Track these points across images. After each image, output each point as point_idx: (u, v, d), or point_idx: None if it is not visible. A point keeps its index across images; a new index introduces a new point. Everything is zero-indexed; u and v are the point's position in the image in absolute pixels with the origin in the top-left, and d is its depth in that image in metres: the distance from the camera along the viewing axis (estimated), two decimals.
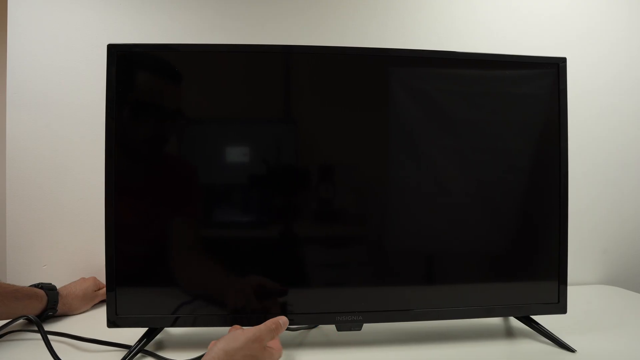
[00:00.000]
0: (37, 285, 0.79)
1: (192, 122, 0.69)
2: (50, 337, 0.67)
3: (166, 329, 0.74)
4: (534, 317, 0.74)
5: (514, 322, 0.81)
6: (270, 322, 0.59)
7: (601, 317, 0.85)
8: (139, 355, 0.65)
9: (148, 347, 0.68)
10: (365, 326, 0.69)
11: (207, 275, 0.69)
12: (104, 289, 0.75)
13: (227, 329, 0.71)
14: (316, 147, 0.70)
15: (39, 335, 0.66)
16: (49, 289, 0.79)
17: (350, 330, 0.69)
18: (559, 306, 0.72)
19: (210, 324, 0.68)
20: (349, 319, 0.68)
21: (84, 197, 0.98)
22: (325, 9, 1.05)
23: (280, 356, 0.59)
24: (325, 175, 0.69)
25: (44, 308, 0.77)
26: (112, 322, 0.66)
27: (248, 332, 0.55)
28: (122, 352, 0.65)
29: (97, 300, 0.90)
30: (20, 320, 0.73)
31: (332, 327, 0.69)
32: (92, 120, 0.96)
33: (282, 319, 0.61)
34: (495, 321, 0.83)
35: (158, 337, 0.70)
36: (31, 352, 0.67)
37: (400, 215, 0.72)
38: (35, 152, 0.97)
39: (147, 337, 0.67)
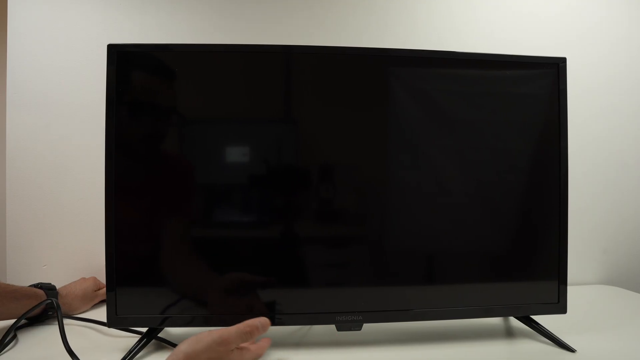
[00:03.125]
0: (36, 285, 0.79)
1: (193, 122, 0.69)
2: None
3: (166, 328, 0.74)
4: (533, 317, 0.75)
5: (514, 322, 0.81)
6: (243, 325, 0.54)
7: (601, 317, 0.85)
8: (140, 353, 0.66)
9: (148, 347, 0.68)
10: (365, 326, 0.69)
11: (207, 276, 0.69)
12: (104, 289, 0.75)
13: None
14: (316, 147, 0.70)
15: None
16: (49, 289, 0.79)
17: (350, 330, 0.69)
18: (559, 306, 0.72)
19: (213, 324, 0.67)
20: (349, 319, 0.68)
21: (84, 197, 0.98)
22: (325, 9, 1.05)
23: (257, 355, 0.56)
24: (325, 175, 0.69)
25: (44, 308, 0.77)
26: (112, 322, 0.66)
27: (214, 333, 0.51)
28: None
29: (97, 300, 0.90)
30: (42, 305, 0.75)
31: (332, 327, 0.69)
32: (92, 120, 0.96)
33: (261, 321, 0.56)
34: (495, 321, 0.83)
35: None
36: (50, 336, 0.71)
37: (401, 215, 0.72)
38: (35, 152, 0.97)
39: (147, 336, 0.67)
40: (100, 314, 0.76)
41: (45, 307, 0.77)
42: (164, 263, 0.68)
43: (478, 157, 0.72)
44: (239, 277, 0.67)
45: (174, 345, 0.69)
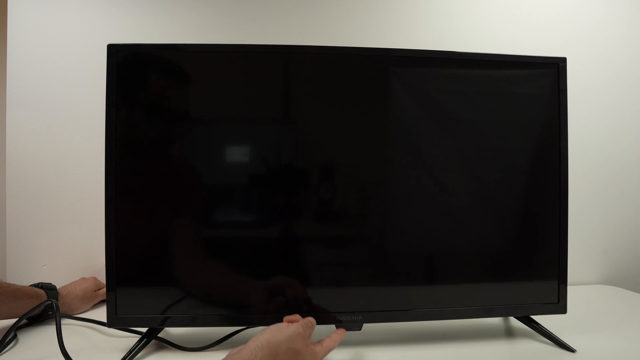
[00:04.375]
0: (37, 285, 0.79)
1: (193, 122, 0.69)
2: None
3: (166, 328, 0.74)
4: (534, 317, 0.74)
5: (514, 322, 0.81)
6: (305, 320, 0.58)
7: (601, 317, 0.85)
8: (140, 353, 0.66)
9: (148, 347, 0.68)
10: (365, 326, 0.69)
11: (208, 276, 0.69)
12: (104, 288, 0.75)
13: (228, 328, 0.72)
14: (317, 147, 0.70)
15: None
16: (49, 289, 0.80)
17: (350, 330, 0.69)
18: (559, 306, 0.72)
19: (212, 324, 0.68)
20: (349, 319, 0.68)
21: (84, 197, 0.98)
22: (324, 9, 1.05)
23: (329, 349, 0.59)
24: (325, 176, 0.69)
25: (44, 308, 0.77)
26: (112, 322, 0.66)
27: (292, 326, 0.55)
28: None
29: (97, 300, 0.90)
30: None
31: (332, 327, 0.69)
32: (92, 120, 0.96)
33: (311, 319, 0.60)
34: (495, 321, 0.83)
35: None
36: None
37: (401, 215, 0.72)
38: (35, 152, 0.97)
39: (147, 337, 0.67)
40: (100, 314, 0.76)
41: (45, 307, 0.77)
42: (164, 263, 0.68)
43: (478, 157, 0.72)
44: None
45: (174, 345, 0.69)
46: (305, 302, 0.68)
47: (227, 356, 0.49)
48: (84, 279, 0.92)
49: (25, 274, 0.95)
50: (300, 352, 0.52)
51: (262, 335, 0.51)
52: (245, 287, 0.68)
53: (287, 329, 0.53)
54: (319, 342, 0.59)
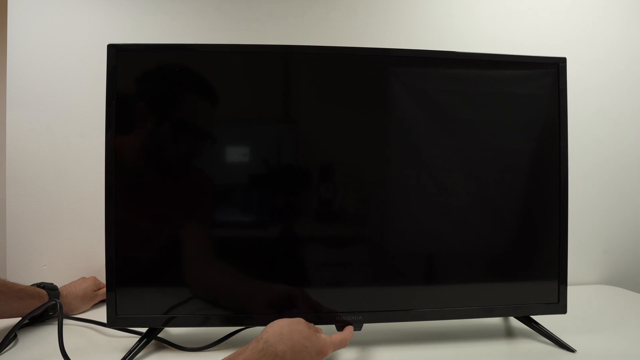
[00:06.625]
0: (38, 285, 0.79)
1: (193, 122, 0.69)
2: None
3: (166, 328, 0.74)
4: (534, 317, 0.75)
5: (514, 322, 0.81)
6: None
7: (601, 317, 0.85)
8: (140, 354, 0.66)
9: (149, 347, 0.68)
10: (365, 326, 0.69)
11: (208, 276, 0.69)
12: (104, 288, 0.75)
13: (228, 328, 0.71)
14: (317, 147, 0.70)
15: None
16: (51, 289, 0.80)
17: None
18: (559, 306, 0.72)
19: (213, 324, 0.68)
20: (349, 319, 0.68)
21: (84, 197, 0.98)
22: (325, 9, 1.05)
23: (343, 342, 0.62)
24: (326, 176, 0.69)
25: (46, 308, 0.77)
26: (112, 323, 0.66)
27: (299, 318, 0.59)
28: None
29: (97, 300, 0.90)
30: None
31: (332, 327, 0.69)
32: (92, 120, 0.96)
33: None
34: (495, 321, 0.83)
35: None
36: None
37: (401, 215, 0.72)
38: (35, 152, 0.97)
39: (147, 337, 0.67)
40: (100, 314, 0.76)
41: (47, 308, 0.77)
42: (163, 263, 0.68)
43: (478, 157, 0.72)
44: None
45: (174, 345, 0.69)
46: (307, 308, 0.68)
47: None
48: (83, 278, 0.92)
49: (25, 274, 0.95)
50: (303, 332, 0.55)
51: (266, 326, 0.56)
52: (248, 290, 0.68)
53: (295, 319, 0.58)
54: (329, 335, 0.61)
